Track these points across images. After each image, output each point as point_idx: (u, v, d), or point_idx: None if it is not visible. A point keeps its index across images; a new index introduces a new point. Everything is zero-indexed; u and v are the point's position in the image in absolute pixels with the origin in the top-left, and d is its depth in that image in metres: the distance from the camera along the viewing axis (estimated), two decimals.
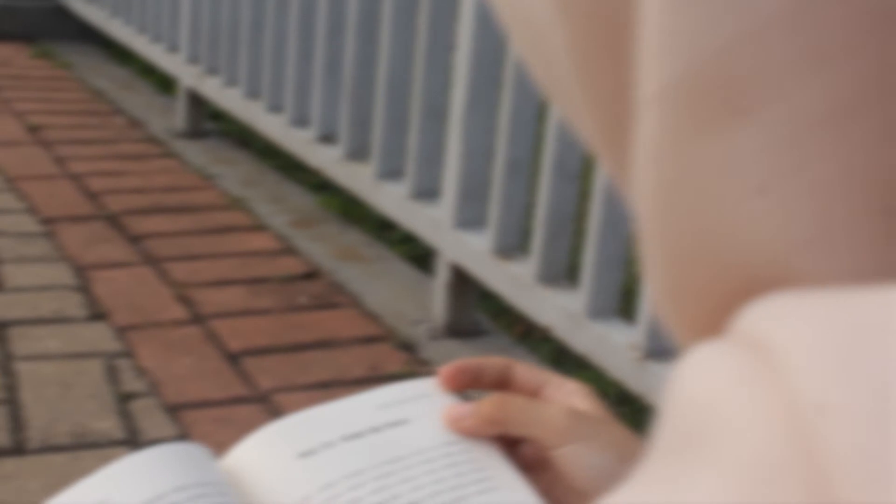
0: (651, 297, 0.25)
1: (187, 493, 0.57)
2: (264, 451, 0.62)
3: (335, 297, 2.49)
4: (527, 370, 0.70)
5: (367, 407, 0.66)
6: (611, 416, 0.67)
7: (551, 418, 0.63)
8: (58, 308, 2.33)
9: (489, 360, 0.70)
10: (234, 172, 3.34)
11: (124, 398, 2.00)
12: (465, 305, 2.34)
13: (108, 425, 1.91)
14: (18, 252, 2.60)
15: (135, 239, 2.73)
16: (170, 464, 0.59)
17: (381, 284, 2.57)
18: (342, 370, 2.14)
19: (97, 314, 2.32)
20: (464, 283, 2.31)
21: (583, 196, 2.11)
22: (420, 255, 2.80)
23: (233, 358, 2.18)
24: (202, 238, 2.78)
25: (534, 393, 0.68)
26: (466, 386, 0.69)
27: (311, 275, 2.60)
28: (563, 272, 2.06)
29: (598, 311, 1.91)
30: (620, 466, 0.63)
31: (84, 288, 2.44)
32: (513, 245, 2.16)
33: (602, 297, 1.91)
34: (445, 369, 0.69)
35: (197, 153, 3.50)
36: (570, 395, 0.67)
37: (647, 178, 0.23)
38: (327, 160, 2.78)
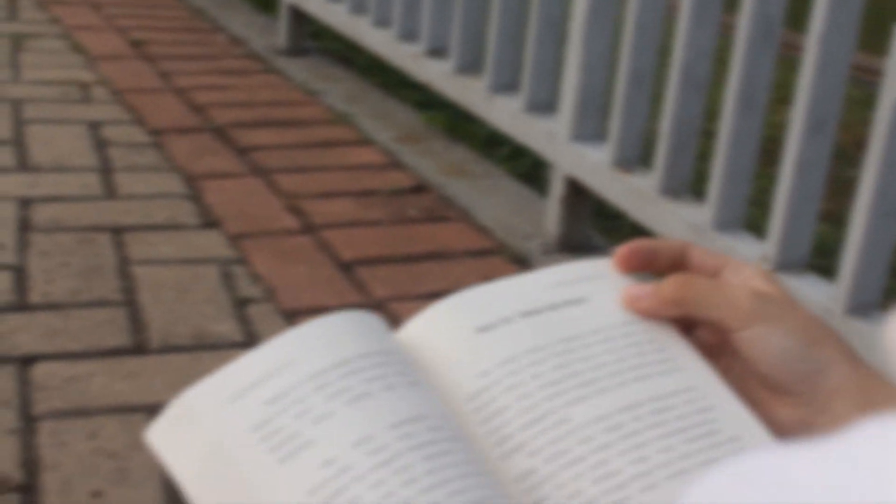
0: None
1: (370, 361, 0.55)
2: (440, 326, 0.59)
3: (445, 210, 2.46)
4: (703, 253, 0.66)
5: (542, 284, 0.63)
6: (796, 300, 0.63)
7: (736, 299, 0.60)
8: (170, 216, 2.34)
9: (665, 241, 0.66)
10: (337, 89, 3.32)
11: (241, 303, 2.00)
12: (579, 220, 2.30)
13: (227, 328, 1.91)
14: (129, 161, 2.61)
15: (242, 151, 2.72)
16: (353, 331, 0.56)
17: (491, 199, 2.53)
18: (456, 281, 2.12)
19: (209, 222, 2.32)
20: (578, 198, 2.27)
21: (710, 106, 2.05)
22: (527, 173, 2.76)
23: (346, 267, 2.16)
24: (309, 151, 2.76)
25: (712, 276, 0.65)
26: (641, 267, 0.66)
27: (420, 189, 2.57)
28: (687, 185, 2.01)
29: (724, 224, 1.86)
30: (808, 351, 0.59)
31: (195, 197, 2.43)
32: (633, 158, 2.11)
33: (729, 210, 1.86)
34: (620, 250, 0.65)
35: (299, 70, 3.48)
36: (749, 279, 0.63)
37: None
38: (436, 74, 2.74)
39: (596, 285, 0.63)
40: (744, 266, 0.65)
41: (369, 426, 0.52)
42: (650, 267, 0.66)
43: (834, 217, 2.55)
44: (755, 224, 2.05)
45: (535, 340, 0.59)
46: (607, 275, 0.64)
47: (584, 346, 0.59)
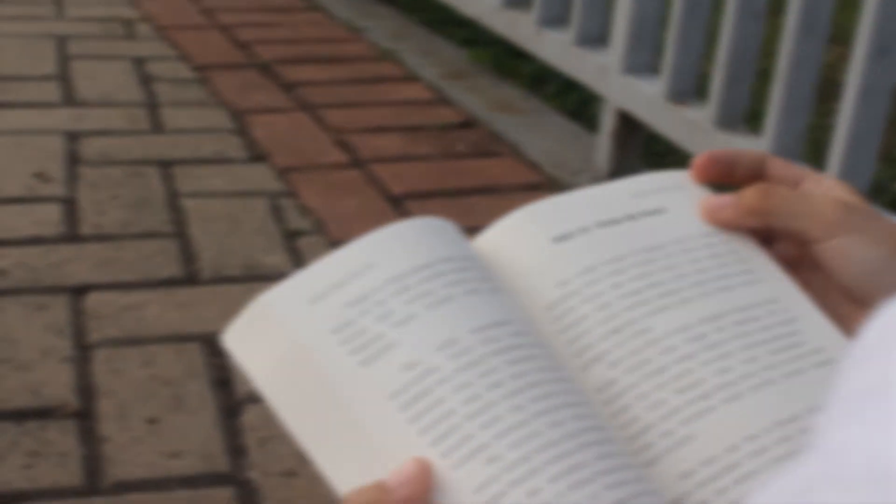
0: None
1: (451, 265, 0.53)
2: (517, 236, 0.58)
3: (493, 145, 2.44)
4: (782, 164, 0.63)
5: (619, 195, 0.61)
6: (878, 210, 0.60)
7: (820, 209, 0.57)
8: (218, 149, 2.33)
9: (744, 151, 0.64)
10: (381, 26, 3.29)
11: (291, 235, 1.99)
12: (629, 155, 2.27)
13: (277, 260, 1.91)
14: (175, 96, 2.60)
15: (288, 87, 2.70)
16: (433, 235, 0.55)
17: (539, 135, 2.50)
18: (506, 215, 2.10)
19: (257, 156, 2.31)
20: (630, 131, 2.24)
21: (768, 35, 2.01)
22: (575, 110, 2.73)
23: (395, 200, 2.15)
24: (355, 87, 2.74)
25: (792, 187, 0.62)
26: (719, 178, 0.64)
27: (468, 124, 2.55)
28: (743, 117, 1.97)
29: (783, 156, 1.83)
30: (893, 262, 0.57)
31: (242, 131, 2.42)
32: (688, 90, 2.08)
33: (787, 142, 1.83)
34: (698, 158, 0.63)
35: (342, 8, 3.45)
36: (831, 189, 0.61)
37: None
38: (484, 9, 2.70)
39: (673, 196, 0.62)
40: (825, 177, 0.63)
41: (452, 329, 0.51)
42: (728, 178, 0.64)
43: (891, 157, 2.51)
44: (812, 160, 2.02)
45: (614, 250, 0.57)
46: (684, 186, 0.62)
47: (666, 256, 0.58)
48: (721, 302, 0.56)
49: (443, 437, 0.48)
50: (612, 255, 0.57)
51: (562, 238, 0.58)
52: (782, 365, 0.54)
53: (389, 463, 0.48)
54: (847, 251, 0.57)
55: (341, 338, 0.51)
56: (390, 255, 0.53)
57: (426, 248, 0.54)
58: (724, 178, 0.64)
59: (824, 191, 0.61)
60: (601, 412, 0.51)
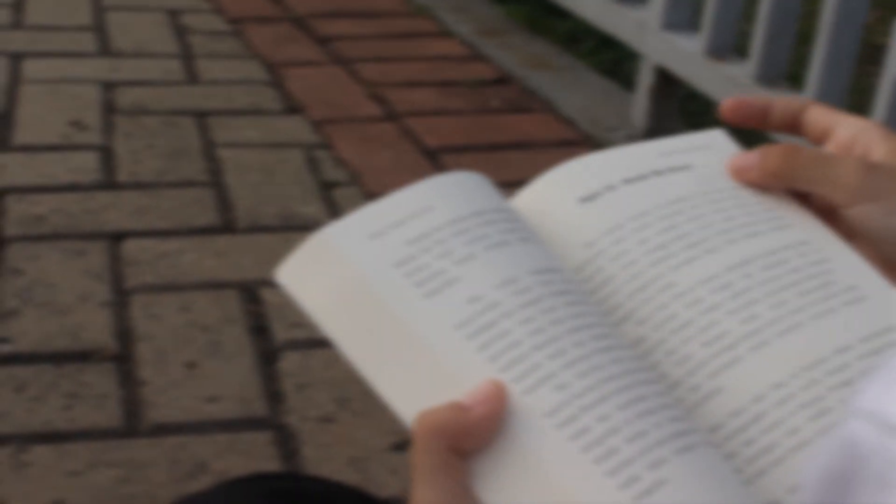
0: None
1: (503, 215, 0.54)
2: (545, 198, 0.57)
3: (528, 102, 2.43)
4: (821, 112, 0.61)
5: (648, 154, 0.60)
6: None
7: (843, 175, 0.55)
8: (253, 101, 2.33)
9: (782, 98, 0.62)
10: None
11: (326, 186, 1.99)
12: (667, 112, 2.25)
13: (313, 210, 1.91)
14: (210, 48, 2.59)
15: (323, 40, 2.70)
16: (482, 187, 0.55)
17: (574, 92, 2.49)
18: (541, 171, 2.09)
19: (292, 107, 2.30)
20: (668, 88, 2.22)
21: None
22: (609, 69, 2.71)
23: (430, 154, 2.14)
24: (389, 42, 2.73)
25: (823, 134, 0.61)
26: (750, 122, 0.61)
27: (502, 80, 2.54)
28: (784, 73, 1.96)
29: None
30: None
31: (277, 83, 2.42)
32: (727, 46, 2.06)
33: (828, 98, 1.81)
34: (728, 101, 0.62)
35: None
36: (864, 131, 0.59)
37: None
38: None
39: (701, 155, 0.61)
40: (858, 120, 0.60)
41: (512, 269, 0.51)
42: (761, 124, 0.62)
43: None
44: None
45: (639, 206, 0.57)
46: (712, 145, 0.62)
47: (692, 207, 0.57)
48: (749, 247, 0.55)
49: (511, 364, 0.48)
50: (638, 210, 0.57)
51: (589, 198, 0.57)
52: (811, 306, 0.53)
53: (460, 387, 0.48)
54: (870, 218, 0.55)
55: (404, 271, 0.51)
56: (447, 200, 0.53)
57: (480, 196, 0.54)
58: (755, 123, 0.62)
59: (854, 135, 0.59)
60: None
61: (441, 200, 0.53)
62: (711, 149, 0.61)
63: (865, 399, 0.33)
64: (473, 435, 0.46)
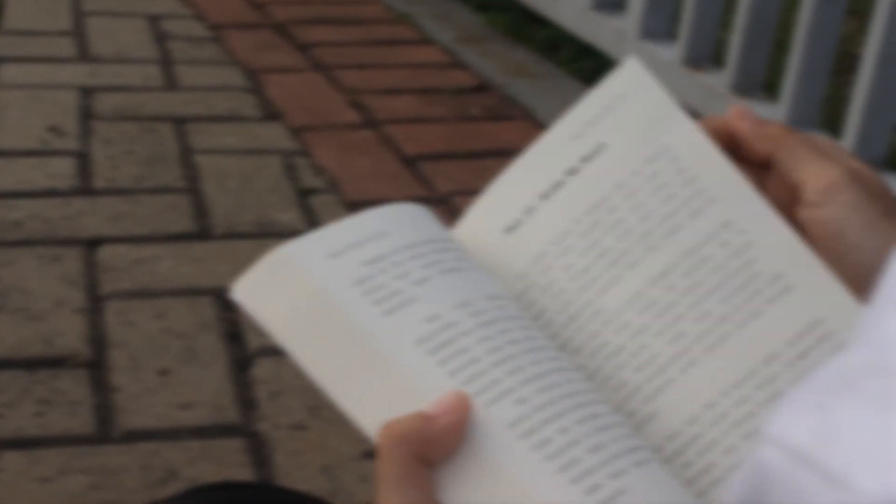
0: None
1: (453, 244, 0.54)
2: (476, 231, 0.57)
3: (508, 109, 2.43)
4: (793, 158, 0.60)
5: (559, 141, 0.58)
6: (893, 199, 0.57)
7: (826, 170, 0.54)
8: (232, 107, 2.33)
9: (763, 127, 0.58)
10: None
11: (304, 193, 1.99)
12: None
13: (290, 217, 1.91)
14: (189, 54, 2.59)
15: (303, 47, 2.70)
16: (430, 218, 0.56)
17: (554, 99, 2.50)
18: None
19: (271, 114, 2.30)
20: None
21: (786, 5, 2.00)
22: (589, 77, 2.72)
23: (409, 161, 2.14)
24: (369, 49, 2.73)
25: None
26: (724, 144, 0.57)
27: (482, 88, 2.54)
28: (760, 83, 1.97)
29: (799, 124, 1.82)
30: (875, 239, 0.54)
31: (256, 90, 2.42)
32: (705, 56, 2.07)
33: (803, 109, 1.82)
34: (735, 107, 0.60)
35: None
36: (844, 161, 0.58)
37: None
38: None
39: (615, 118, 0.58)
40: (840, 149, 0.60)
41: (467, 293, 0.52)
42: (733, 152, 0.57)
43: None
44: (828, 131, 2.01)
45: (560, 225, 0.56)
46: (628, 93, 0.58)
47: (609, 211, 0.55)
48: (668, 253, 0.54)
49: (472, 379, 0.48)
50: (558, 231, 0.56)
51: (512, 227, 0.57)
52: (735, 313, 0.52)
53: (422, 400, 0.48)
54: (830, 226, 0.54)
55: (362, 290, 0.51)
56: (401, 227, 0.54)
57: (430, 226, 0.55)
58: (728, 149, 0.58)
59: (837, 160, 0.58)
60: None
61: (395, 227, 0.54)
62: (627, 99, 0.58)
63: (775, 425, 0.33)
64: (439, 444, 0.46)
